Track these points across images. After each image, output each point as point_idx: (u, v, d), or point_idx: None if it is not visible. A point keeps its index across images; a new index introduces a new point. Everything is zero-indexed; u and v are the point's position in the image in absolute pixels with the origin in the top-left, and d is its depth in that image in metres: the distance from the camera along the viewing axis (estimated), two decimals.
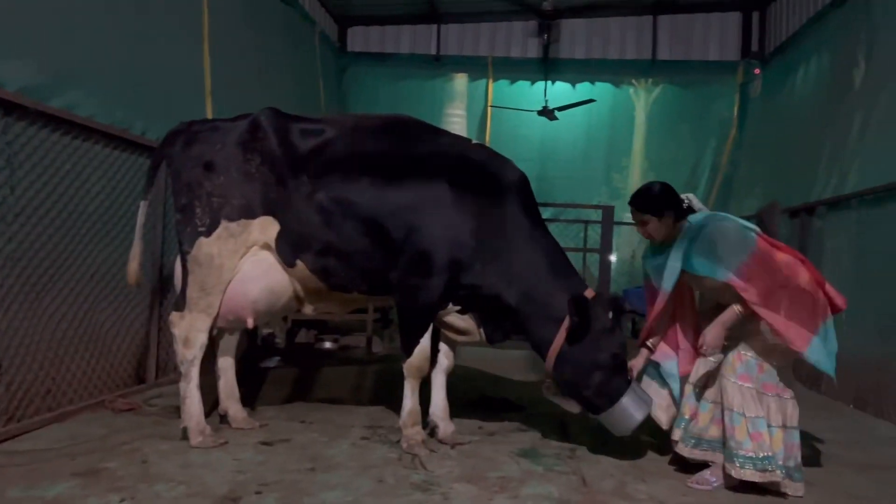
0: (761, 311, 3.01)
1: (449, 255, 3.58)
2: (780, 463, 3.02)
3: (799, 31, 7.89)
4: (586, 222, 9.16)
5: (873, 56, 5.79)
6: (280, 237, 3.68)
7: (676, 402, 3.48)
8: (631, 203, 3.35)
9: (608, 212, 7.57)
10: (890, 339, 4.70)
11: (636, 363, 3.60)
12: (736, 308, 3.08)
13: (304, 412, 4.33)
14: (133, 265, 3.75)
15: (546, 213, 9.42)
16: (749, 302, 3.02)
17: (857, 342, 4.82)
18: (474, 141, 4.06)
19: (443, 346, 3.97)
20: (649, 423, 3.56)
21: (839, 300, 3.17)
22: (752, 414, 3.03)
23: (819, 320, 3.08)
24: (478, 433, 4.03)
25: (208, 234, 3.60)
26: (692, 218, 3.30)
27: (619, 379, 3.49)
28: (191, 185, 3.66)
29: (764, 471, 2.98)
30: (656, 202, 3.26)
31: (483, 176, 3.76)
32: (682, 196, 3.33)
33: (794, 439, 3.10)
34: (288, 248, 3.68)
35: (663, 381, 3.55)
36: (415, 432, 3.66)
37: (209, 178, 3.64)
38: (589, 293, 3.59)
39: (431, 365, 3.85)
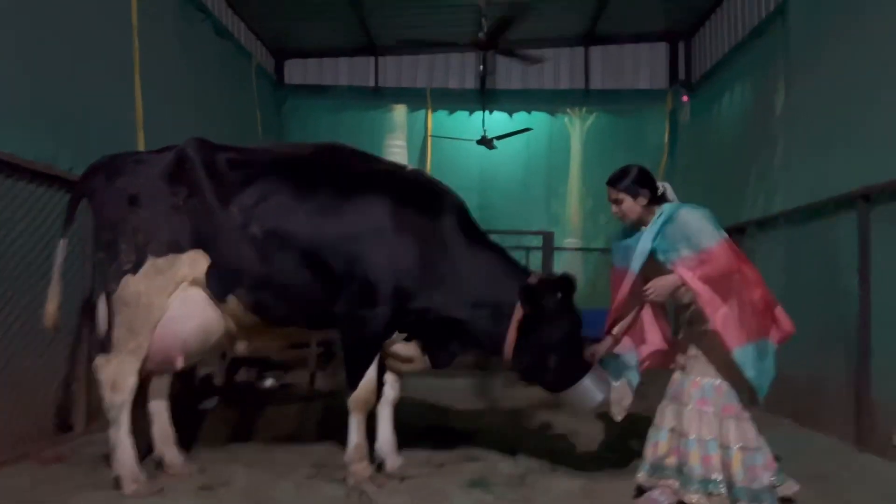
0: (702, 294, 3.05)
1: (394, 283, 3.55)
2: (741, 485, 3.02)
3: (723, 59, 8.24)
4: (528, 248, 9.27)
5: (792, 83, 6.07)
6: (211, 272, 3.55)
7: (632, 392, 3.53)
8: (608, 182, 3.38)
9: (548, 238, 7.69)
10: (822, 352, 4.86)
11: (600, 348, 3.61)
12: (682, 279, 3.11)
13: (246, 453, 4.17)
14: (50, 307, 3.56)
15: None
16: (693, 281, 3.05)
17: (791, 357, 4.92)
18: (408, 167, 4.02)
19: (388, 378, 3.91)
20: (606, 438, 3.58)
21: (788, 325, 3.24)
22: (705, 437, 3.07)
23: (758, 335, 3.11)
24: (426, 465, 3.96)
25: (135, 271, 3.45)
26: (667, 206, 3.33)
27: (577, 357, 3.54)
28: (114, 221, 3.52)
29: (710, 494, 3.01)
30: (632, 182, 3.30)
31: (419, 199, 3.77)
32: (659, 183, 3.38)
33: (756, 461, 3.08)
34: (219, 283, 3.56)
35: (619, 373, 3.58)
36: (362, 468, 3.57)
37: (134, 212, 3.51)
38: (534, 279, 3.62)
39: (377, 398, 3.77)
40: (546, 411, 5.32)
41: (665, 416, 3.24)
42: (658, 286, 3.16)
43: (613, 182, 3.36)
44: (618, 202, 3.35)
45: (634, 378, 3.55)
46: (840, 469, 4.05)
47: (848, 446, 4.53)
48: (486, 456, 4.17)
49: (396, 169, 3.94)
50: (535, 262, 9.08)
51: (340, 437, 3.84)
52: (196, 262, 3.55)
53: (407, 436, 4.10)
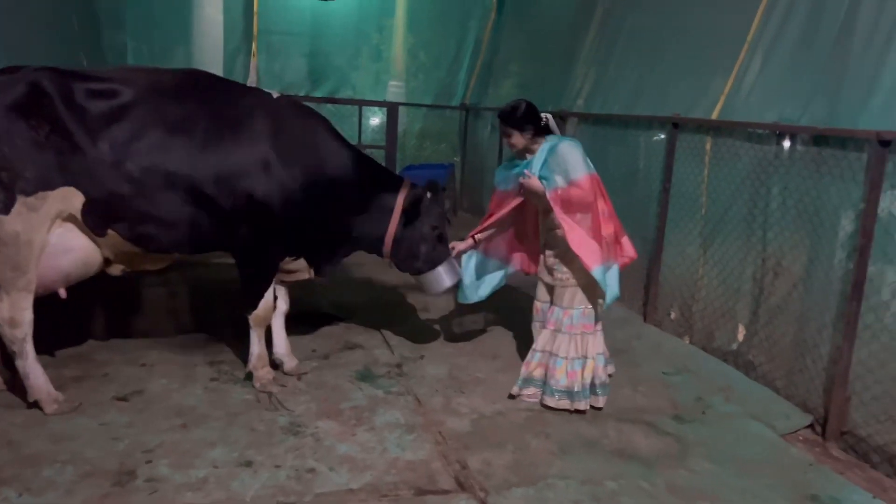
0: (562, 219, 3.74)
1: (285, 214, 3.86)
2: (593, 385, 3.94)
3: None
4: (361, 103, 9.49)
5: None
6: (87, 208, 3.56)
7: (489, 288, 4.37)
8: (499, 117, 3.93)
9: (393, 109, 8.00)
10: (641, 248, 5.91)
11: (460, 245, 4.34)
12: (546, 195, 3.76)
13: (136, 352, 4.46)
14: None
15: (322, 93, 9.62)
16: (556, 205, 3.73)
17: None
18: (275, 93, 4.11)
19: (280, 290, 4.31)
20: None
21: (631, 252, 4.09)
22: (571, 355, 3.90)
23: (607, 259, 3.87)
24: (314, 357, 4.56)
25: (6, 211, 3.38)
26: (550, 138, 3.93)
27: (440, 248, 4.27)
28: None
29: (573, 400, 3.91)
30: (520, 117, 3.85)
31: (295, 127, 3.99)
32: (542, 115, 3.93)
33: (601, 363, 3.99)
34: (97, 219, 3.60)
35: (483, 271, 4.37)
36: (265, 372, 4.08)
37: None
38: (407, 184, 4.22)
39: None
40: (397, 289, 6.07)
41: (539, 340, 4.03)
42: (528, 184, 3.82)
43: (504, 118, 3.89)
44: (508, 136, 3.92)
45: (497, 277, 4.37)
46: (632, 339, 5.28)
47: (635, 316, 5.80)
48: (363, 343, 4.86)
49: (266, 98, 4.02)
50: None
51: (210, 324, 4.56)
52: (68, 199, 3.52)
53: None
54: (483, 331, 5.28)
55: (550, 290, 4.08)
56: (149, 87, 3.69)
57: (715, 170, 4.90)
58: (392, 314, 5.54)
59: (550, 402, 3.94)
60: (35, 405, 3.60)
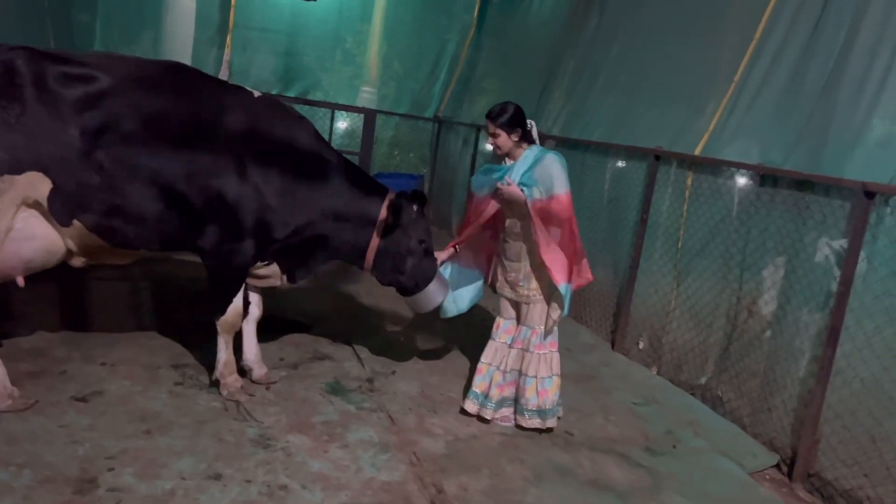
0: (540, 230, 3.70)
1: (257, 217, 3.73)
2: (558, 403, 3.94)
3: None
4: (336, 107, 9.39)
5: (606, 9, 6.75)
6: (53, 196, 3.39)
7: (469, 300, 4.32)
8: (488, 116, 3.85)
9: (370, 116, 7.91)
10: (600, 266, 5.95)
11: (441, 256, 4.25)
12: (527, 204, 3.71)
13: (96, 349, 4.26)
14: None
15: (293, 93, 9.49)
16: (535, 216, 3.69)
17: None
18: (256, 93, 3.98)
19: (253, 297, 4.18)
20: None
21: (589, 275, 4.07)
22: (542, 375, 3.87)
23: (570, 278, 3.92)
24: (282, 366, 4.42)
25: None
26: (535, 148, 3.89)
27: (427, 263, 4.14)
28: None
29: (545, 419, 3.90)
30: (509, 119, 3.80)
31: (275, 128, 3.86)
32: (528, 121, 3.89)
33: (556, 382, 3.98)
34: (63, 208, 3.44)
35: (461, 281, 4.31)
36: (233, 380, 3.93)
37: None
38: (392, 194, 4.10)
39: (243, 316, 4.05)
40: (364, 297, 5.97)
41: (509, 360, 3.98)
42: (508, 190, 3.77)
43: (493, 117, 3.83)
44: (495, 136, 3.86)
45: (476, 290, 4.32)
46: (600, 366, 5.30)
47: (603, 342, 5.83)
48: (332, 354, 4.74)
49: (247, 96, 3.89)
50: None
51: (172, 325, 4.42)
52: (35, 184, 3.35)
53: None
54: (452, 348, 5.22)
55: (516, 306, 4.03)
56: (127, 77, 3.54)
57: (695, 205, 4.97)
58: (361, 324, 5.44)
59: (523, 421, 3.93)
60: None
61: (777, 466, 4.01)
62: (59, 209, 3.41)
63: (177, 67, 3.87)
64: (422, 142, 11.14)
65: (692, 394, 4.80)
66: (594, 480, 3.57)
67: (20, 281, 3.52)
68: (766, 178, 4.38)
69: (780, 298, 4.22)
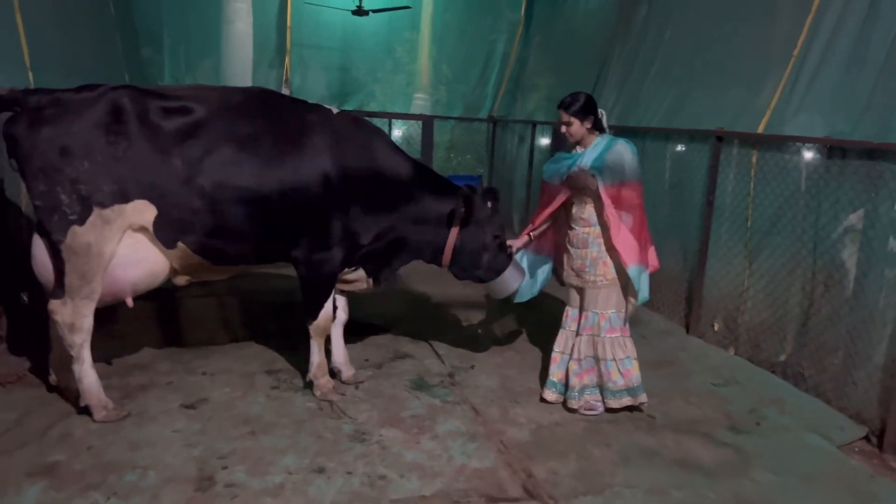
0: (611, 214, 3.79)
1: (344, 227, 3.95)
2: (639, 383, 4.02)
3: None
4: (393, 116, 9.63)
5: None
6: (158, 221, 3.66)
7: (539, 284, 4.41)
8: (560, 106, 3.95)
9: (428, 122, 8.10)
10: (667, 252, 5.97)
11: (516, 243, 4.37)
12: (598, 190, 3.80)
13: (195, 361, 4.55)
14: None
15: (350, 106, 9.79)
16: (607, 200, 3.77)
17: None
18: (335, 109, 4.19)
19: (339, 301, 4.40)
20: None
21: (656, 262, 4.12)
22: (620, 356, 3.96)
23: (642, 261, 3.96)
24: (367, 367, 4.63)
25: (81, 222, 3.49)
26: (606, 136, 3.98)
27: (501, 255, 4.28)
28: (47, 172, 3.45)
29: (635, 396, 3.99)
30: (581, 107, 3.90)
31: (354, 141, 4.07)
32: (600, 110, 3.98)
33: (636, 362, 4.06)
34: (168, 232, 3.70)
35: (534, 268, 4.39)
36: (326, 381, 4.16)
37: (70, 164, 3.46)
38: (465, 193, 4.19)
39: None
40: (435, 299, 6.16)
41: (581, 347, 4.06)
42: (580, 177, 3.86)
43: (566, 106, 3.93)
44: (568, 124, 3.95)
45: (546, 273, 4.40)
46: (677, 351, 5.33)
47: (677, 327, 5.84)
48: (412, 353, 4.93)
49: (325, 113, 4.10)
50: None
51: (262, 332, 4.67)
52: (141, 211, 3.63)
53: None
54: (527, 341, 5.34)
55: (581, 292, 4.11)
56: (219, 105, 3.80)
57: (761, 183, 4.95)
58: (436, 324, 5.62)
59: (614, 403, 4.01)
60: (85, 410, 3.68)
61: (866, 438, 3.98)
62: (164, 233, 3.69)
63: (261, 92, 4.14)
64: (478, 143, 11.29)
65: (772, 372, 4.78)
66: (681, 460, 3.63)
67: (129, 301, 3.82)
68: (833, 150, 4.35)
69: (856, 270, 4.18)
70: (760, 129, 4.96)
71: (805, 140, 4.52)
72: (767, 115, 4.97)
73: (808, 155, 4.56)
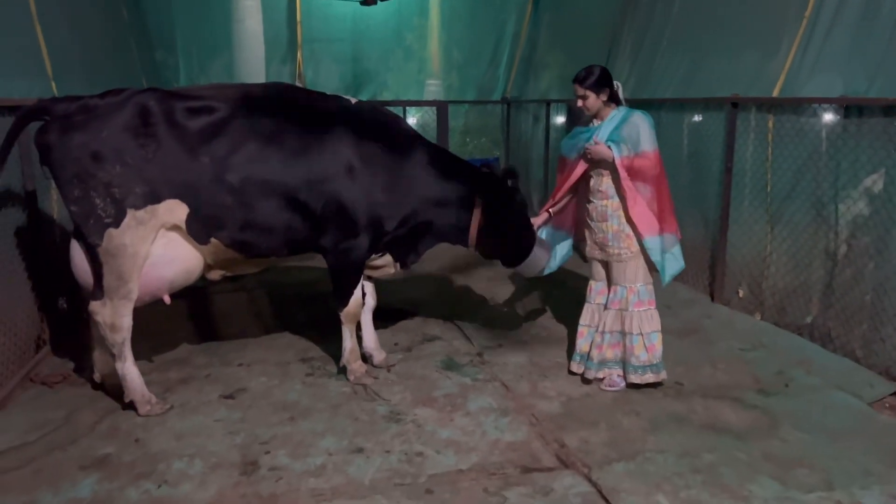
0: (627, 186, 3.83)
1: (370, 214, 4.04)
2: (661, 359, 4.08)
3: None
4: (406, 104, 9.68)
5: None
6: (191, 219, 3.76)
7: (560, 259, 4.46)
8: (575, 80, 3.97)
9: (442, 108, 8.14)
10: (688, 221, 5.99)
11: (536, 221, 4.40)
12: (615, 162, 3.83)
13: (231, 354, 4.68)
14: None
15: (364, 96, 9.85)
16: (622, 171, 3.81)
17: None
18: (353, 99, 4.27)
19: (367, 287, 4.49)
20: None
21: (678, 233, 4.15)
22: (647, 331, 4.01)
23: (666, 230, 3.95)
24: (397, 350, 4.73)
25: (116, 225, 3.59)
26: (622, 108, 4.00)
27: (528, 233, 4.32)
28: (81, 177, 3.55)
29: (658, 372, 4.04)
30: (596, 81, 3.91)
31: (376, 130, 4.15)
32: (615, 83, 4.00)
33: (661, 335, 4.09)
34: (201, 229, 3.80)
35: (554, 243, 4.43)
36: (359, 366, 4.26)
37: (102, 168, 3.55)
38: (486, 173, 4.29)
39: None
40: (458, 282, 6.24)
41: (607, 321, 4.09)
42: (596, 149, 3.88)
43: (581, 80, 3.94)
44: (584, 98, 3.97)
45: (566, 247, 4.45)
46: (702, 319, 5.36)
47: (702, 296, 5.87)
48: (440, 335, 5.03)
49: (345, 104, 4.18)
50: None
51: (291, 322, 4.74)
52: (173, 210, 3.73)
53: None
54: (551, 317, 5.41)
55: (606, 266, 4.14)
56: (241, 102, 3.89)
57: (779, 147, 4.95)
58: (462, 306, 5.71)
59: (636, 378, 4.04)
60: (130, 405, 3.81)
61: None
62: (196, 230, 3.80)
63: (280, 87, 4.23)
64: (492, 125, 11.30)
65: (799, 334, 4.81)
66: (710, 424, 3.69)
67: (167, 299, 3.95)
68: (850, 109, 4.34)
69: (879, 228, 4.19)
70: (775, 93, 4.96)
71: (821, 101, 4.51)
72: (782, 78, 4.97)
73: (826, 116, 4.55)
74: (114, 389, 3.93)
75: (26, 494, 3.02)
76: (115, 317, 3.70)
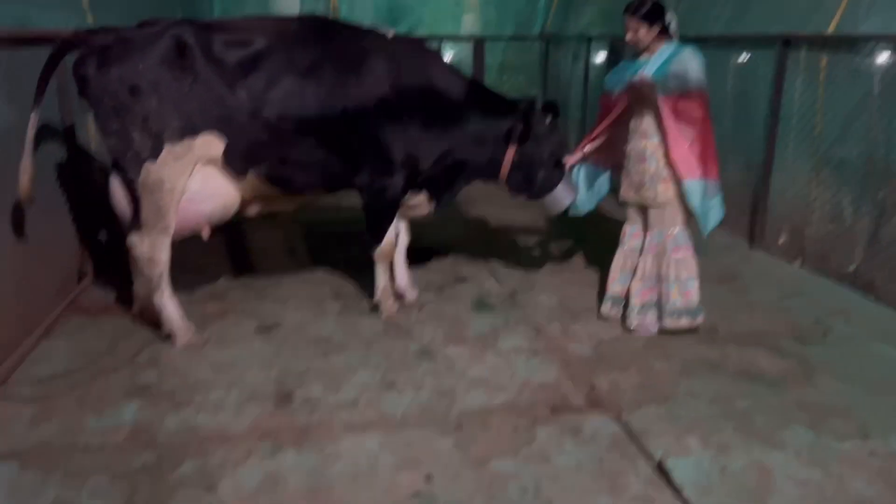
0: (669, 126, 3.70)
1: (406, 152, 3.99)
2: (700, 304, 4.01)
3: None
4: (442, 39, 9.47)
5: None
6: (228, 152, 3.77)
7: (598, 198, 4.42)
8: (626, 11, 3.82)
9: (479, 44, 7.93)
10: (730, 163, 5.82)
11: (571, 159, 4.30)
12: (658, 98, 3.69)
13: (267, 289, 4.76)
14: (24, 180, 3.58)
15: (400, 31, 9.66)
16: (666, 109, 3.67)
17: None
18: (391, 32, 4.17)
19: (401, 226, 4.49)
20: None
21: (719, 179, 4.00)
22: (683, 277, 3.93)
23: (708, 175, 3.81)
24: (429, 290, 4.75)
25: (154, 158, 3.61)
26: (674, 44, 3.83)
27: (556, 171, 4.26)
28: (119, 111, 3.56)
29: (694, 318, 3.98)
30: (648, 11, 3.77)
31: (412, 64, 4.06)
32: (668, 14, 3.83)
33: (697, 282, 4.03)
34: (238, 162, 3.81)
35: (591, 181, 4.37)
36: (391, 304, 4.30)
37: (139, 102, 3.55)
38: (524, 108, 4.19)
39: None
40: (491, 224, 6.19)
41: (645, 266, 4.02)
42: (640, 83, 3.73)
43: (632, 10, 3.80)
44: (635, 30, 3.82)
45: (604, 186, 4.38)
46: (740, 265, 5.27)
47: (741, 242, 5.75)
48: (471, 276, 5.03)
49: (381, 38, 4.08)
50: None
51: (324, 258, 4.86)
52: (210, 144, 3.73)
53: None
54: (583, 260, 5.37)
55: (643, 211, 4.05)
56: (277, 36, 3.84)
57: (831, 88, 4.74)
58: (493, 248, 5.68)
59: (670, 323, 3.99)
60: (169, 337, 3.91)
61: None
62: (233, 164, 3.81)
63: (316, 20, 4.16)
64: (530, 63, 10.98)
65: (841, 283, 4.70)
66: (744, 371, 3.65)
67: (205, 233, 3.99)
68: None
69: None
70: (831, 30, 4.71)
71: (878, 38, 4.28)
72: (838, 15, 4.71)
73: (883, 55, 4.32)
74: (153, 321, 4.03)
75: (72, 419, 3.14)
76: (152, 250, 3.76)
